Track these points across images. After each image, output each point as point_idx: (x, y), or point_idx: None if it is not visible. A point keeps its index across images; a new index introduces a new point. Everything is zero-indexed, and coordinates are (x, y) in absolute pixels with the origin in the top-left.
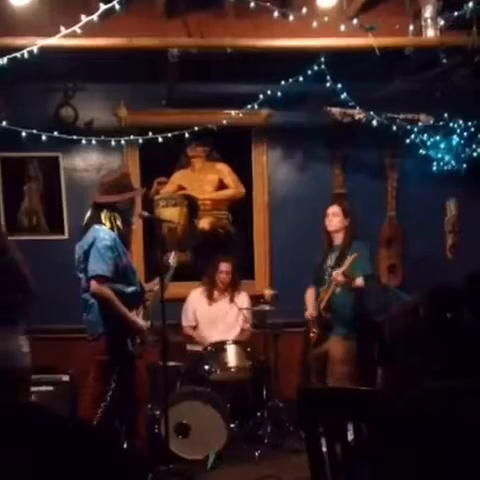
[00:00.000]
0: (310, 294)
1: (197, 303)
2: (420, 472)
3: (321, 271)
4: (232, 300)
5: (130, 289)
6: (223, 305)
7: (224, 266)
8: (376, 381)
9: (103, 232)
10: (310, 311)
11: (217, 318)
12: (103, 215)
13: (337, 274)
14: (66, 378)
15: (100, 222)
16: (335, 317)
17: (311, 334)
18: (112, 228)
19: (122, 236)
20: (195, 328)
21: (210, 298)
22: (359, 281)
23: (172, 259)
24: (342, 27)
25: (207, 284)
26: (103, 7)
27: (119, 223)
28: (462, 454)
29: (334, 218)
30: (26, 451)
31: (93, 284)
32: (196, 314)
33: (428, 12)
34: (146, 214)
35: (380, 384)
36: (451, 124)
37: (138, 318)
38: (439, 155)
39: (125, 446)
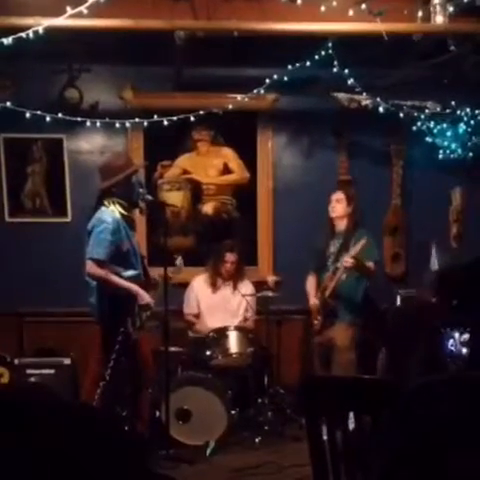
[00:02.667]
0: (311, 282)
1: (199, 291)
2: (419, 467)
3: (323, 257)
4: (235, 288)
5: (128, 273)
6: (226, 293)
7: (230, 257)
8: (377, 365)
9: (107, 214)
10: (313, 300)
11: (219, 306)
12: (106, 201)
13: (347, 261)
14: (67, 361)
15: (105, 205)
16: (340, 304)
17: (315, 321)
18: (120, 212)
19: (127, 219)
20: (197, 316)
21: (213, 286)
22: (370, 264)
23: (179, 261)
24: (350, 12)
25: (211, 272)
26: None
27: (119, 207)
28: (461, 448)
29: (338, 204)
30: (27, 431)
31: (88, 266)
32: (198, 302)
33: None
34: (149, 198)
35: (381, 367)
36: (458, 112)
37: (144, 291)
38: (445, 143)
39: (126, 429)
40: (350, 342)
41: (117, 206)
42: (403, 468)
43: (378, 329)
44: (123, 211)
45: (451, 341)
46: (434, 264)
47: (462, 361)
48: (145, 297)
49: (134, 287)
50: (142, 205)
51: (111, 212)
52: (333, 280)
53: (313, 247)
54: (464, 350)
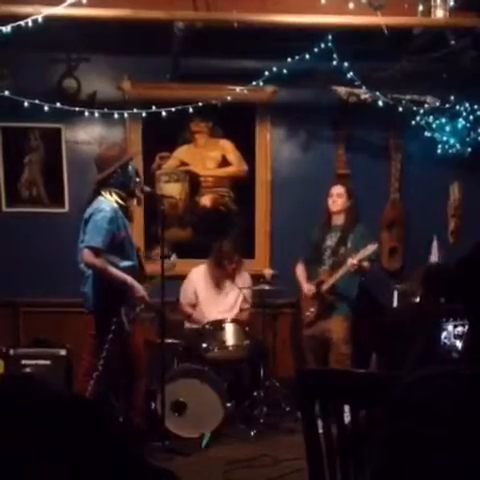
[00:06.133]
0: (301, 271)
1: (198, 282)
2: (413, 458)
3: (319, 250)
4: (233, 280)
5: (125, 263)
6: (224, 284)
7: (232, 260)
8: (370, 365)
9: (105, 203)
10: (308, 287)
11: (217, 297)
12: (103, 191)
13: (353, 264)
14: (63, 352)
15: (102, 195)
16: (337, 297)
17: (307, 313)
18: (116, 201)
19: (124, 209)
20: (194, 306)
21: (213, 278)
22: (366, 265)
23: (173, 258)
24: (350, 5)
25: (213, 266)
26: None
27: (117, 197)
28: (457, 440)
29: (338, 199)
30: (23, 422)
31: (85, 254)
32: (196, 293)
33: None
34: (147, 189)
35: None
36: (457, 107)
37: (139, 284)
38: (444, 138)
39: (121, 420)
40: (346, 335)
41: (114, 195)
42: (399, 460)
43: (373, 325)
44: (120, 201)
45: (445, 333)
46: (434, 258)
47: (457, 353)
48: (140, 290)
49: (129, 279)
50: (139, 195)
51: (109, 201)
52: (333, 276)
53: (308, 238)
54: (458, 342)
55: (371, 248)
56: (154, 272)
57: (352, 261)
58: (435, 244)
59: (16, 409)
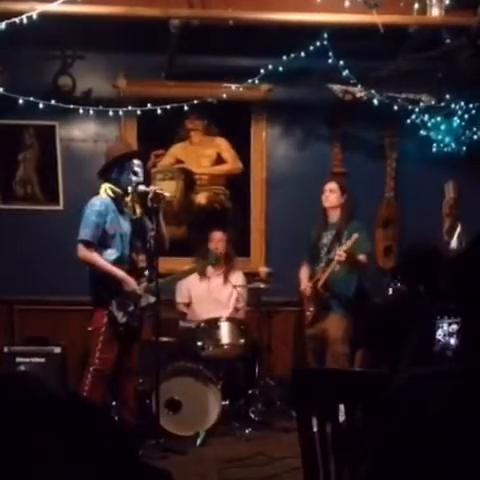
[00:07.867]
0: (304, 272)
1: (191, 280)
2: (407, 459)
3: (316, 249)
4: (227, 278)
5: (111, 256)
6: (217, 283)
7: (216, 235)
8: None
9: (95, 198)
10: (304, 285)
11: (210, 296)
12: (101, 186)
13: (339, 254)
14: (58, 350)
15: (98, 192)
16: (333, 295)
17: (307, 313)
18: (109, 196)
19: (117, 203)
20: (188, 305)
21: (203, 275)
22: (362, 257)
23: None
24: (346, 3)
25: (199, 260)
26: None
27: (109, 192)
28: (452, 440)
29: (331, 194)
30: (19, 421)
31: (78, 248)
32: (190, 291)
33: None
34: (142, 189)
35: (359, 366)
36: (452, 105)
37: (131, 278)
38: (439, 137)
39: (116, 418)
40: (343, 334)
41: (108, 190)
42: (394, 460)
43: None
44: (112, 194)
45: (439, 331)
46: (454, 245)
47: (451, 351)
48: (131, 284)
49: (120, 273)
50: (132, 192)
51: (101, 196)
52: (326, 272)
53: (307, 238)
54: (452, 340)
55: (354, 237)
56: (168, 270)
57: (338, 252)
58: (458, 230)
59: (12, 408)
